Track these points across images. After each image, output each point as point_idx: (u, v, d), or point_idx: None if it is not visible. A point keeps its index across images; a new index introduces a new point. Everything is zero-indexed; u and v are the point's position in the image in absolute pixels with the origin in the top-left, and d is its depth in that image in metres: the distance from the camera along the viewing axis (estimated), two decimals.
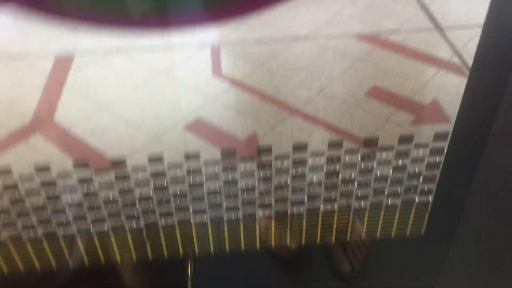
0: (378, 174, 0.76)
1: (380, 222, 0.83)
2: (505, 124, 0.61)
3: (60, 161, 1.33)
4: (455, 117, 1.46)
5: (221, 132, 1.42)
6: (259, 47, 1.84)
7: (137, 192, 0.85)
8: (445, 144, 0.63)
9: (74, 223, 0.82)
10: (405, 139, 0.74)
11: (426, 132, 1.41)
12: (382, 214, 0.80)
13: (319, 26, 1.97)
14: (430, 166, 0.69)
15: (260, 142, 1.38)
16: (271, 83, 1.61)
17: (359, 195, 0.84)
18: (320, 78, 1.63)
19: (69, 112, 1.51)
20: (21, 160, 1.33)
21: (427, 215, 0.75)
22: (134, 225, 0.84)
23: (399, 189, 0.75)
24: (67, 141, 1.39)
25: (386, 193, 0.77)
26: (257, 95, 1.56)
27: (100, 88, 1.63)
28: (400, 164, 0.74)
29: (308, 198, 0.86)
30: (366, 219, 0.84)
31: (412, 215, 0.78)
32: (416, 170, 0.72)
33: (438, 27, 1.92)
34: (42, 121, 1.47)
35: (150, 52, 1.88)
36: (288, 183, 0.87)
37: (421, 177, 0.71)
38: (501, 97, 0.58)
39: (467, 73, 1.72)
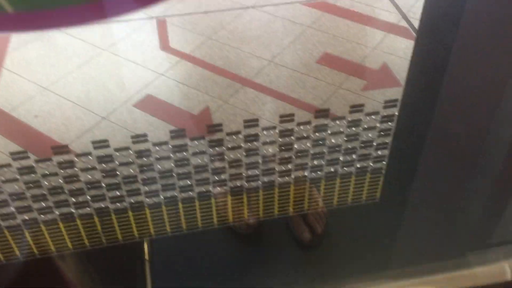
0: (332, 144, 0.75)
1: (336, 191, 0.83)
2: (453, 86, 0.61)
3: (2, 148, 1.26)
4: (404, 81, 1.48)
5: (172, 108, 1.38)
6: (207, 18, 1.80)
7: (84, 177, 0.81)
8: (395, 111, 0.63)
9: (20, 214, 0.78)
10: (356, 108, 0.74)
11: (378, 97, 1.42)
12: (338, 182, 0.81)
13: None
14: (382, 133, 0.70)
15: (213, 116, 1.35)
16: (221, 55, 1.57)
17: (314, 165, 0.84)
18: (270, 47, 1.61)
19: (9, 95, 1.43)
20: None
21: (381, 181, 0.76)
22: (85, 212, 0.81)
23: (353, 157, 0.75)
24: (8, 126, 1.32)
25: (340, 162, 0.77)
26: (208, 68, 1.52)
27: (41, 69, 1.55)
28: (352, 132, 0.75)
29: (263, 172, 0.85)
30: (322, 188, 0.85)
31: (367, 182, 0.79)
32: (369, 137, 0.73)
33: None
34: None
35: (92, 27, 1.80)
36: (242, 159, 0.85)
37: (373, 144, 0.72)
38: (448, 60, 0.58)
39: (414, 35, 1.74)
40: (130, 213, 0.83)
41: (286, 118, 0.76)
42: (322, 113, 0.70)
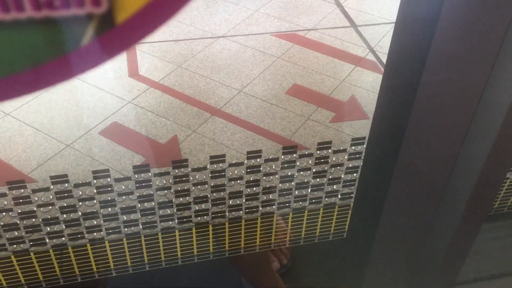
0: (299, 180, 0.75)
1: (304, 226, 0.83)
2: (419, 122, 0.62)
3: None
4: (372, 113, 1.50)
5: (139, 137, 1.36)
6: (177, 46, 1.79)
7: (40, 212, 0.77)
8: (362, 148, 0.63)
9: None
10: (323, 146, 0.74)
11: (346, 129, 1.44)
12: (305, 218, 0.80)
13: (237, 24, 1.95)
14: (349, 170, 0.70)
15: (181, 145, 1.33)
16: (190, 83, 1.57)
17: (281, 201, 0.83)
18: (240, 77, 1.61)
19: None
20: None
21: (348, 217, 0.76)
22: (41, 248, 0.78)
23: (320, 194, 0.75)
24: None
25: (307, 198, 0.76)
26: (177, 96, 1.51)
27: None
28: (320, 169, 0.74)
29: (229, 208, 0.84)
30: (290, 223, 0.84)
31: (334, 218, 0.78)
32: (336, 174, 0.73)
33: (353, 24, 1.97)
34: None
35: None
36: (208, 194, 0.84)
37: (341, 181, 0.72)
38: (415, 95, 0.59)
39: (382, 69, 1.77)
40: (89, 249, 0.80)
41: (254, 154, 0.76)
42: (289, 149, 0.69)
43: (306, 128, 1.42)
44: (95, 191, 0.83)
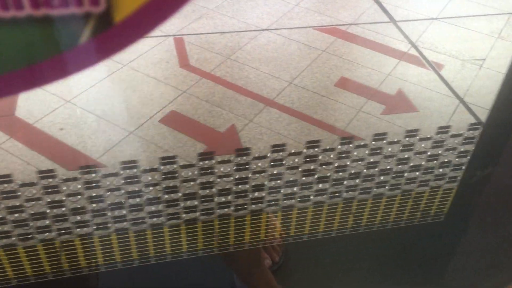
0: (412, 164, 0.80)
1: (408, 208, 0.86)
2: None
3: (30, 160, 1.24)
4: (420, 107, 1.54)
5: (198, 125, 1.39)
6: (223, 38, 1.82)
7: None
8: (477, 133, 0.67)
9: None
10: (442, 130, 0.78)
11: (398, 121, 1.47)
12: (411, 199, 0.84)
13: (278, 18, 1.98)
14: (460, 154, 0.74)
15: (240, 135, 1.37)
16: (241, 75, 1.60)
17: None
18: (288, 69, 1.65)
19: (31, 106, 1.41)
20: None
21: (451, 199, 0.79)
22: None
23: (424, 176, 0.79)
24: (34, 138, 1.30)
25: (414, 180, 0.81)
26: (230, 87, 1.54)
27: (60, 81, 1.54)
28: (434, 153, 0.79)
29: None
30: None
31: (437, 199, 0.82)
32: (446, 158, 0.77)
33: (392, 20, 2.00)
34: (1, 116, 1.37)
35: None
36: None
37: (449, 164, 0.76)
38: None
39: (425, 63, 1.81)
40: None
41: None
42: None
43: (359, 119, 1.45)
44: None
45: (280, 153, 0.93)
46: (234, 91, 1.53)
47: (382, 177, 0.92)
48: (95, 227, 0.88)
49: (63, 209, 0.87)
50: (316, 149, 0.93)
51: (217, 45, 1.75)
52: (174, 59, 1.66)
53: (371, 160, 0.95)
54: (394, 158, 0.92)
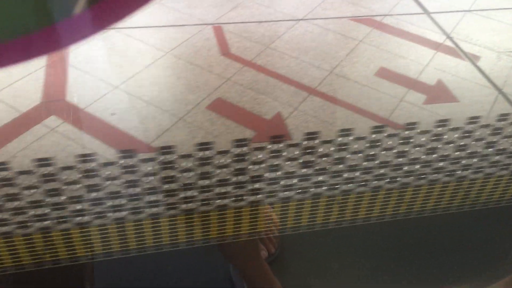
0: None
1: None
2: None
3: (86, 144, 1.26)
4: (461, 97, 1.55)
5: (244, 112, 1.41)
6: (261, 27, 1.84)
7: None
8: None
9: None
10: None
11: (440, 111, 1.49)
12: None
13: (314, 8, 2.00)
14: None
15: (286, 122, 1.39)
16: (282, 63, 1.62)
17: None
18: (327, 58, 1.66)
19: (81, 92, 1.43)
20: (42, 142, 1.25)
21: None
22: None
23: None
24: (87, 122, 1.32)
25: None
26: (272, 75, 1.56)
27: (107, 67, 1.56)
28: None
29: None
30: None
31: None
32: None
33: (426, 11, 2.02)
34: (53, 101, 1.39)
35: (148, 29, 1.81)
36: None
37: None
38: None
39: (461, 54, 1.82)
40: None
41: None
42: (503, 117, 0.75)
43: (402, 109, 1.47)
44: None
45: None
46: (276, 79, 1.55)
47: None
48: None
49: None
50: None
51: (255, 34, 1.77)
52: (215, 48, 1.68)
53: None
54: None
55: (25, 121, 1.30)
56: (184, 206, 0.90)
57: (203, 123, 1.36)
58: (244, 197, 0.91)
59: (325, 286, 1.14)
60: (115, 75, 1.49)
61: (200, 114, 1.40)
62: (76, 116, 1.33)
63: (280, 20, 1.85)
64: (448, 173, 1.00)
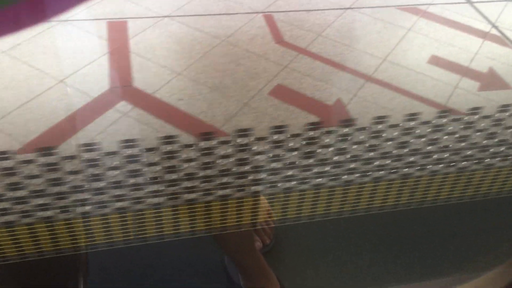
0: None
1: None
2: None
3: (159, 128, 1.30)
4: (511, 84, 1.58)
5: (305, 99, 1.45)
6: (311, 16, 1.87)
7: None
8: None
9: None
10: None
11: (494, 97, 1.52)
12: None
13: None
14: None
15: (347, 108, 1.42)
16: (335, 51, 1.65)
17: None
18: (379, 46, 1.69)
19: (145, 78, 1.47)
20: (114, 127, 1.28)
21: None
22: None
23: None
24: (157, 108, 1.36)
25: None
26: (327, 63, 1.59)
27: (166, 54, 1.59)
28: None
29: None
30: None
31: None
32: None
33: (468, 1, 2.04)
34: (122, 87, 1.42)
35: (201, 18, 1.84)
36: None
37: None
38: None
39: (508, 43, 1.85)
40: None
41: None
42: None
43: (458, 95, 1.50)
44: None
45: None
46: (332, 67, 1.58)
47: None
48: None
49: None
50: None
51: (305, 22, 1.79)
52: (268, 36, 1.71)
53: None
54: None
55: (98, 106, 1.34)
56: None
57: (267, 109, 1.40)
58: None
59: (319, 276, 1.16)
60: (175, 62, 1.53)
61: (263, 100, 1.43)
62: (145, 101, 1.36)
63: (329, 9, 1.88)
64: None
